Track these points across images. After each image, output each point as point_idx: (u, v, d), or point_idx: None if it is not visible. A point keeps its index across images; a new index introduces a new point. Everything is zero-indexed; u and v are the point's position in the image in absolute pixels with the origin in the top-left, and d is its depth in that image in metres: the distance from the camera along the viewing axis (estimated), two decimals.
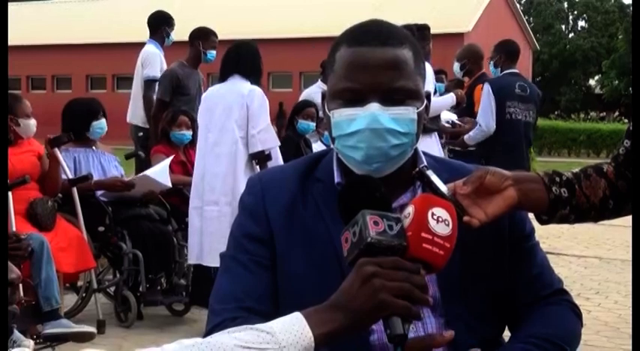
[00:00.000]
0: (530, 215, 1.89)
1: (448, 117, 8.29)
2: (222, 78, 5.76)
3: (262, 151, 5.62)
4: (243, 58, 5.72)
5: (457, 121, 8.11)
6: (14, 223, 5.07)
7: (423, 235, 1.51)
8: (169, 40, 7.96)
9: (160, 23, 8.07)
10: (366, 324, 1.49)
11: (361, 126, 1.71)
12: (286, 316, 1.45)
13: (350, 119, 1.73)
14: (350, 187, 1.61)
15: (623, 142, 1.87)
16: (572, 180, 1.80)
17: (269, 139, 5.67)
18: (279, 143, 5.87)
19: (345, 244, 1.53)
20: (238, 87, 5.66)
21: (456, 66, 7.88)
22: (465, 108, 7.74)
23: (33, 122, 5.47)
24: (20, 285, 4.48)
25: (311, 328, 1.43)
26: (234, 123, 5.61)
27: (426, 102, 1.79)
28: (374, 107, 1.71)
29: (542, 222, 1.81)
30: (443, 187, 1.69)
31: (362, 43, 1.74)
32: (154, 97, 7.56)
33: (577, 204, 1.78)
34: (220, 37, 7.76)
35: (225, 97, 5.65)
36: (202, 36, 7.57)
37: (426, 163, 1.82)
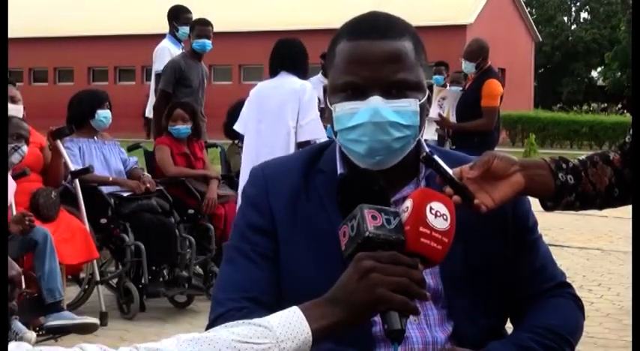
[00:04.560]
0: (534, 207, 1.89)
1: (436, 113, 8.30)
2: (272, 74, 6.02)
3: (309, 142, 5.74)
4: (286, 56, 5.95)
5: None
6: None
7: (421, 229, 1.51)
8: (181, 35, 7.91)
9: (170, 18, 8.06)
10: (363, 318, 1.49)
11: (363, 119, 1.71)
12: (284, 310, 1.46)
13: (351, 113, 1.72)
14: (348, 180, 1.60)
15: (630, 131, 1.87)
16: (579, 167, 1.80)
17: (316, 130, 5.88)
18: (325, 135, 5.94)
19: (342, 238, 1.52)
20: (288, 82, 5.88)
21: (471, 66, 7.74)
22: (472, 101, 7.70)
23: (18, 107, 5.40)
24: (22, 278, 4.49)
25: (309, 322, 1.43)
26: (288, 115, 5.83)
27: (428, 93, 1.79)
28: (375, 100, 1.70)
29: (547, 208, 1.80)
30: (450, 172, 1.69)
31: (361, 37, 1.74)
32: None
33: (583, 191, 1.78)
34: (222, 29, 7.76)
35: (277, 92, 5.87)
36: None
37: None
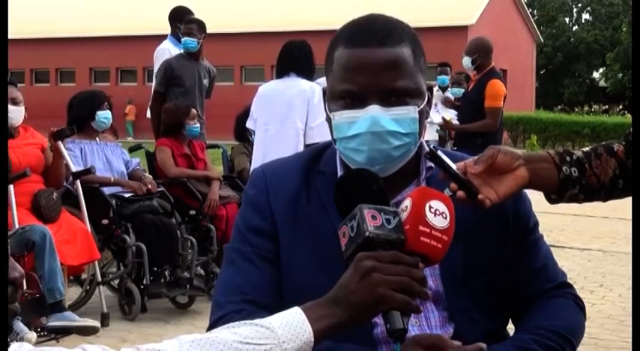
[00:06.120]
0: (535, 207, 1.88)
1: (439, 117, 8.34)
2: (279, 75, 6.06)
3: (318, 143, 5.76)
4: (297, 58, 5.99)
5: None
6: (16, 217, 5.08)
7: (421, 228, 1.51)
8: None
9: (173, 19, 8.05)
10: (365, 318, 1.49)
11: (362, 129, 1.70)
12: (286, 311, 1.46)
13: (350, 122, 1.72)
14: (347, 180, 1.60)
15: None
16: (583, 159, 1.79)
17: (325, 133, 5.85)
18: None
19: (342, 239, 1.52)
20: (296, 84, 5.91)
21: (467, 60, 7.75)
22: (476, 103, 7.70)
23: (19, 109, 5.35)
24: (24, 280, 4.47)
25: (310, 322, 1.43)
26: (296, 116, 5.86)
27: (428, 95, 1.78)
28: (374, 109, 1.69)
29: (551, 201, 1.80)
30: (454, 167, 1.69)
31: (359, 44, 1.72)
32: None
33: (587, 183, 1.78)
34: (224, 30, 7.75)
35: (285, 93, 5.91)
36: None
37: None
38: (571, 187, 1.77)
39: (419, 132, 1.74)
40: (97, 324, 5.05)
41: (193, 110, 6.60)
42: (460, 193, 1.67)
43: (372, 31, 1.74)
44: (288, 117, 5.86)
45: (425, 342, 1.56)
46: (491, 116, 7.58)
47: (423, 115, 1.75)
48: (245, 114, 7.11)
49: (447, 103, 9.18)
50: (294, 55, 6.00)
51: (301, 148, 5.77)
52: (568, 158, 1.78)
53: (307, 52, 6.07)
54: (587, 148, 1.84)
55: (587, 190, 1.79)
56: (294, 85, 5.90)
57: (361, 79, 1.70)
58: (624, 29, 45.22)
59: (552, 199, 1.80)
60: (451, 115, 8.97)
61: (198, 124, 6.61)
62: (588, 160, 1.80)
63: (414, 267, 1.48)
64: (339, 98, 1.74)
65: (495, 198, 1.70)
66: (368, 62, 1.70)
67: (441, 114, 9.17)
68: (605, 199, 1.85)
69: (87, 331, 4.92)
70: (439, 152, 1.69)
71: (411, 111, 1.72)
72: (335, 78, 1.75)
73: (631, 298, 1.80)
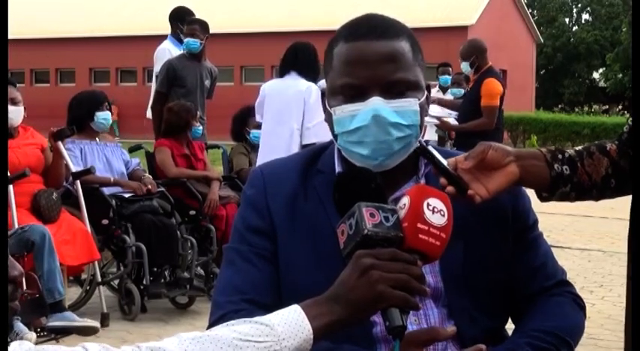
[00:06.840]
0: (535, 208, 1.88)
1: (439, 113, 8.36)
2: (280, 74, 6.16)
3: (315, 144, 5.80)
4: (301, 58, 6.08)
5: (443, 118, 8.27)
6: (16, 217, 5.08)
7: (419, 225, 1.51)
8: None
9: (174, 19, 8.05)
10: (364, 316, 1.50)
11: (364, 121, 1.71)
12: (285, 308, 1.46)
13: (352, 115, 1.72)
14: (345, 178, 1.61)
15: (628, 121, 1.87)
16: (575, 158, 1.79)
17: (322, 133, 5.91)
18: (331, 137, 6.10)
19: (341, 237, 1.53)
20: (294, 84, 5.99)
21: (465, 65, 7.77)
22: (472, 102, 7.71)
23: (18, 109, 5.34)
24: (23, 279, 4.48)
25: (309, 320, 1.44)
26: (292, 116, 5.93)
27: (426, 93, 1.79)
28: (375, 101, 1.70)
29: (542, 199, 1.80)
30: (445, 163, 1.70)
31: (358, 38, 1.74)
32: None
33: (578, 182, 1.78)
34: (224, 30, 7.76)
35: (283, 92, 6.00)
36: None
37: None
38: (562, 185, 1.77)
39: (420, 126, 1.75)
40: (97, 324, 5.06)
41: (197, 112, 6.68)
42: (450, 189, 1.67)
43: (371, 25, 1.76)
44: (284, 116, 5.92)
45: (423, 337, 1.58)
46: (487, 115, 7.59)
47: (423, 109, 1.76)
48: (241, 114, 7.15)
49: (444, 104, 9.18)
50: (297, 56, 6.07)
51: (295, 148, 5.80)
52: (560, 156, 1.78)
53: (311, 53, 6.14)
54: (579, 147, 1.84)
55: (579, 188, 1.79)
56: (293, 84, 5.94)
57: (361, 71, 1.71)
58: (624, 29, 45.19)
59: (543, 196, 1.80)
60: (449, 115, 8.97)
61: (200, 126, 6.66)
62: (580, 159, 1.80)
63: (413, 264, 1.48)
64: (340, 92, 1.75)
65: (485, 194, 1.70)
66: (367, 55, 1.72)
67: (439, 114, 9.18)
68: (597, 199, 1.85)
69: (87, 332, 4.92)
70: (429, 147, 1.70)
71: (412, 103, 1.73)
72: (335, 73, 1.76)
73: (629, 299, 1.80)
